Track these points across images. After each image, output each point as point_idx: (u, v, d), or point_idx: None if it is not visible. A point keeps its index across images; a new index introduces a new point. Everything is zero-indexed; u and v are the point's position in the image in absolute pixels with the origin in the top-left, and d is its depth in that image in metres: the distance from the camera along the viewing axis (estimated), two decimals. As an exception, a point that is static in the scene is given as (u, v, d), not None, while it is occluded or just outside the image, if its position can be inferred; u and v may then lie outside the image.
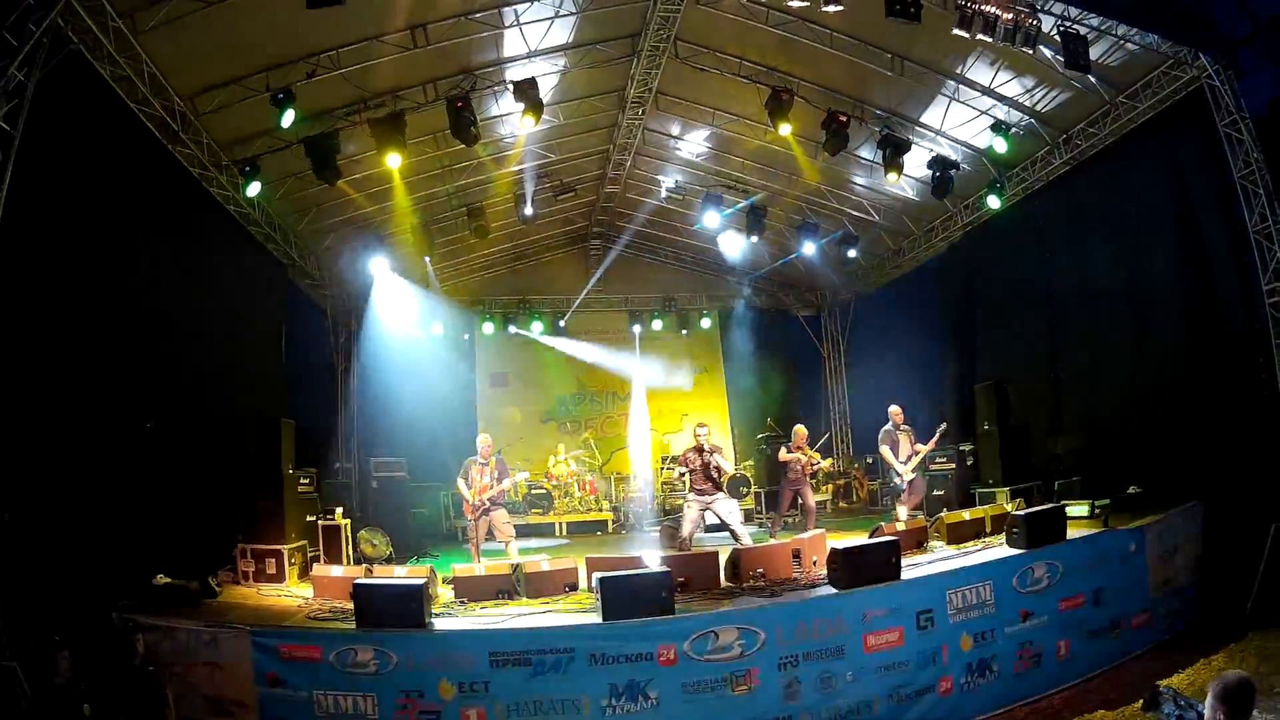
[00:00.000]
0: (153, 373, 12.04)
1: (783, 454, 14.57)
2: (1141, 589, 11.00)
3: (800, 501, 14.46)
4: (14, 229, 9.09)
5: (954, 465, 16.14)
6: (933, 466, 15.55)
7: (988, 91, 14.53)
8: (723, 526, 12.86)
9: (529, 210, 18.77)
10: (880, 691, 9.16)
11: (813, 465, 14.56)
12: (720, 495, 12.82)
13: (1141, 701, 7.98)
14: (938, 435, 14.16)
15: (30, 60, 9.10)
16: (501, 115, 14.78)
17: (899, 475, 14.17)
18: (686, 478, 12.88)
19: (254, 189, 13.69)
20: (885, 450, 14.29)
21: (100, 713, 7.38)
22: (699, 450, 12.81)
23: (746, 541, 12.34)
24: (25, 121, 9.11)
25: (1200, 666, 9.50)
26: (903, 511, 14.07)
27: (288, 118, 12.29)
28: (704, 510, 12.78)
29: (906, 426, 14.35)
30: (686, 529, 12.87)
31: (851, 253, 20.67)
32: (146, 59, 11.26)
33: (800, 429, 14.76)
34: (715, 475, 12.77)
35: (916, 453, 14.14)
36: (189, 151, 13.11)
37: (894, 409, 14.44)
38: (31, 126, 9.19)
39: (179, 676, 8.61)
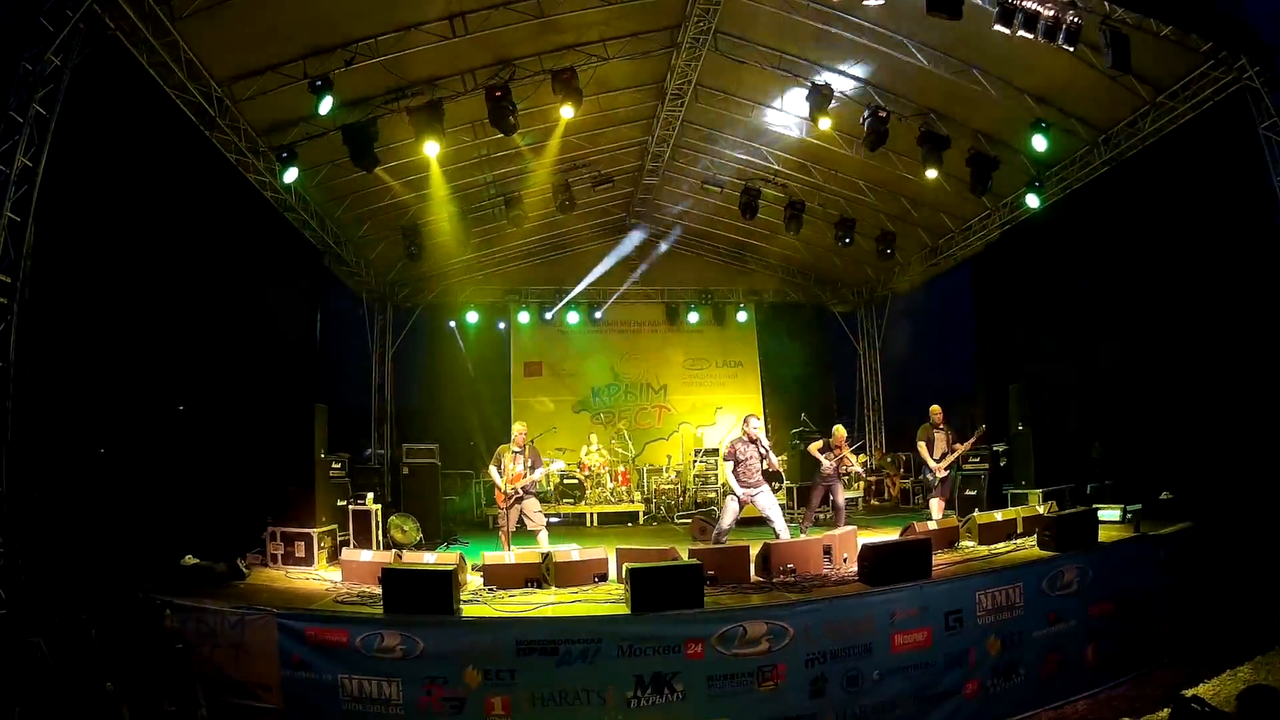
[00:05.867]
0: (186, 356, 12.12)
1: (812, 448, 14.56)
2: (1170, 597, 10.94)
3: (831, 498, 14.41)
4: (50, 213, 9.22)
5: (987, 465, 16.05)
6: (965, 466, 15.51)
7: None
8: (760, 519, 12.85)
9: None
10: (906, 692, 9.13)
11: (849, 467, 14.55)
12: (764, 488, 12.77)
13: (1168, 711, 7.92)
14: (975, 436, 14.24)
15: (66, 46, 9.22)
16: (540, 106, 14.75)
17: (931, 472, 14.29)
18: (734, 470, 12.77)
19: (291, 175, 13.76)
20: (922, 446, 14.42)
21: (125, 690, 7.43)
22: (751, 442, 12.79)
23: (785, 535, 12.31)
24: (62, 107, 9.24)
25: (1226, 677, 9.42)
26: (935, 506, 14.25)
27: (325, 105, 12.36)
28: (747, 502, 12.76)
29: (944, 425, 14.45)
30: (726, 521, 12.81)
31: (888, 250, 20.47)
32: (183, 45, 11.31)
33: (840, 429, 14.72)
34: (764, 468, 12.78)
35: (953, 450, 14.24)
36: (226, 137, 13.18)
37: (934, 408, 14.55)
38: (68, 112, 9.30)
39: (204, 657, 8.70)
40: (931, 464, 14.27)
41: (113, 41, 10.15)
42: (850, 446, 14.86)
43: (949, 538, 12.19)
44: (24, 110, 8.93)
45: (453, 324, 23.87)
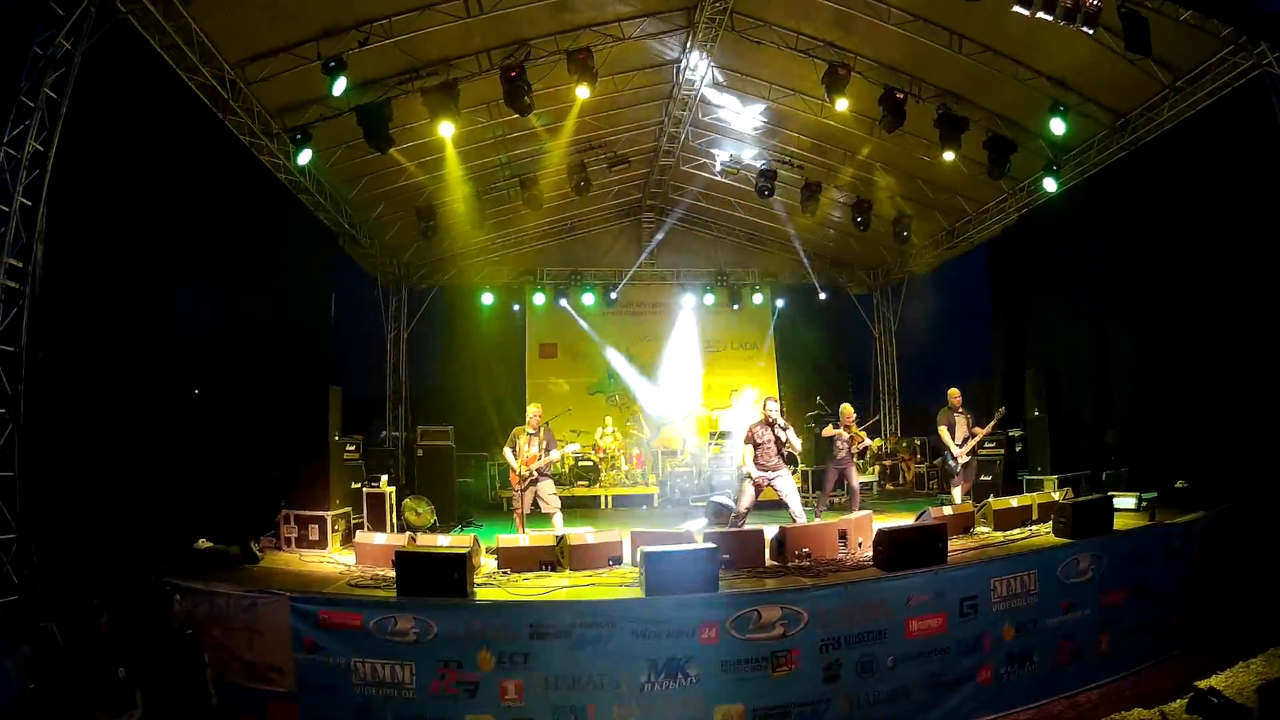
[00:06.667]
0: (200, 339, 12.10)
1: (828, 430, 14.45)
2: (1183, 587, 10.87)
3: (845, 482, 14.35)
4: (63, 197, 9.19)
5: (1002, 450, 15.99)
6: (981, 451, 15.36)
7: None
8: (774, 503, 12.81)
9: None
10: (920, 678, 9.10)
11: (860, 444, 14.45)
12: (783, 471, 12.73)
13: (1186, 701, 7.89)
14: (995, 420, 14.23)
15: (77, 30, 9.16)
16: (556, 86, 14.69)
17: (954, 458, 14.23)
18: (752, 453, 12.71)
19: (305, 157, 13.72)
20: (943, 431, 14.36)
21: (137, 675, 7.43)
22: (769, 425, 12.73)
23: (802, 520, 12.28)
24: (74, 91, 9.19)
25: (1239, 669, 9.34)
26: (958, 493, 14.27)
27: (339, 86, 12.30)
28: (765, 486, 12.71)
29: (963, 410, 14.41)
30: (744, 504, 12.79)
31: (905, 233, 20.35)
32: (195, 27, 11.26)
33: (847, 407, 14.61)
34: (783, 451, 12.73)
35: (974, 435, 14.20)
36: (239, 120, 13.12)
37: (953, 391, 14.53)
38: (80, 96, 9.26)
39: (217, 641, 8.68)
40: (954, 449, 14.20)
41: (124, 25, 10.08)
42: (860, 426, 14.76)
43: (964, 523, 12.13)
44: (35, 95, 8.88)
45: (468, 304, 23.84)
